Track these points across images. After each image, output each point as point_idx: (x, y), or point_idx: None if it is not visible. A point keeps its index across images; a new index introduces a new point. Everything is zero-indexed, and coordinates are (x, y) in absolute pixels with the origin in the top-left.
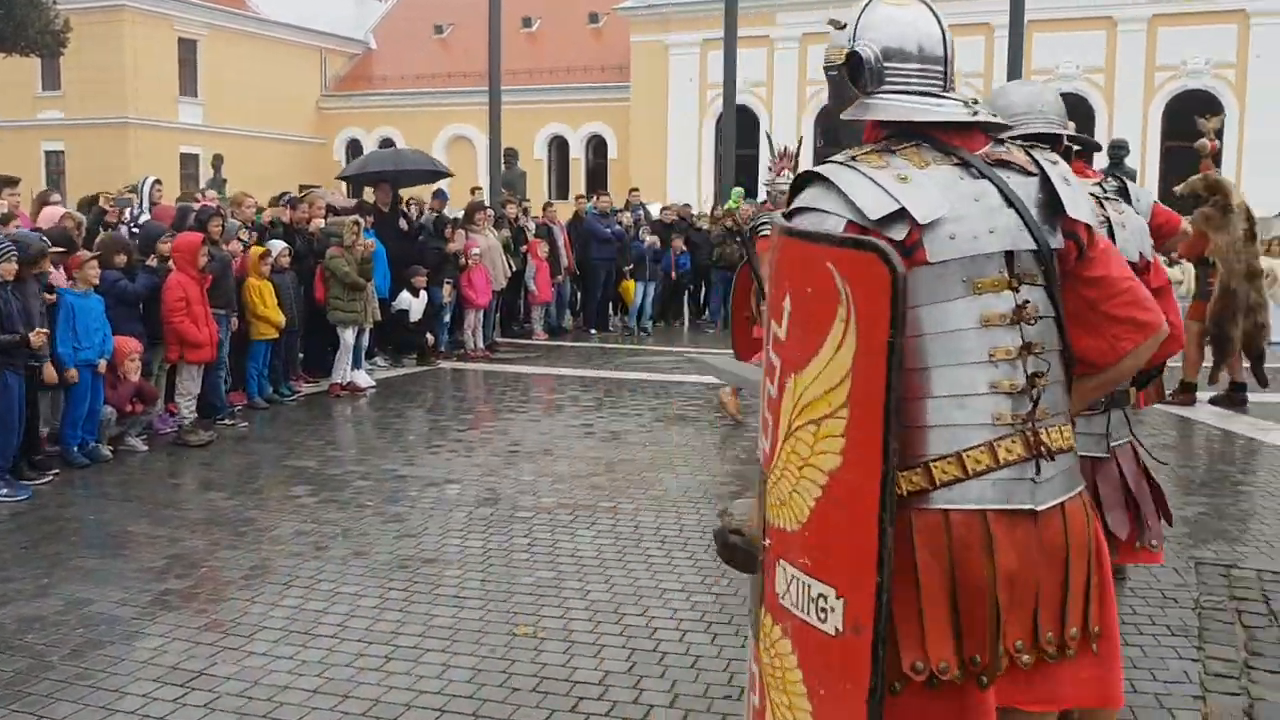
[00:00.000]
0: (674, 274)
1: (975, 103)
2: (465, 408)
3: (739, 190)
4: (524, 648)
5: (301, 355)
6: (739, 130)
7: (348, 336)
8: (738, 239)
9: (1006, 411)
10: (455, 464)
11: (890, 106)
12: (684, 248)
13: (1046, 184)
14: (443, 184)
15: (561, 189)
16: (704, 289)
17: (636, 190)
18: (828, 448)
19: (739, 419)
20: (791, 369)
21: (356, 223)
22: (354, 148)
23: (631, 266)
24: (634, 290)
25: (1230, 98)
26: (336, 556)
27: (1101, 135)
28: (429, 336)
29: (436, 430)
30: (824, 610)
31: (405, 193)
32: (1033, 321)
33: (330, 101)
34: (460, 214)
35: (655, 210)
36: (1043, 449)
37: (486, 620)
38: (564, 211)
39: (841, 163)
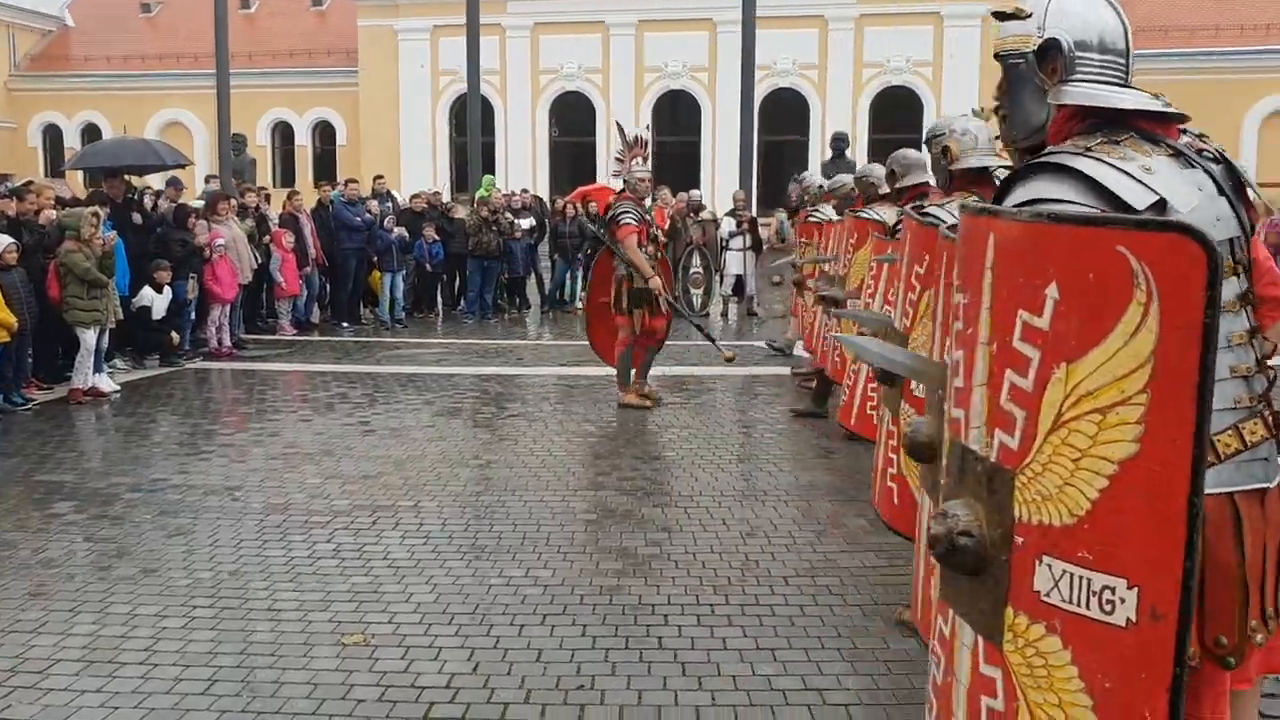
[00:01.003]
0: (428, 264)
1: (1158, 97)
2: (226, 409)
3: (489, 178)
4: (359, 657)
5: (30, 359)
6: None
7: (89, 338)
8: (494, 227)
9: (1245, 394)
10: (232, 470)
11: (1098, 94)
12: (436, 236)
13: (1233, 171)
14: (171, 173)
15: (287, 177)
16: (458, 279)
17: (382, 177)
18: (1119, 436)
19: (655, 402)
20: (1061, 358)
21: (95, 214)
22: (52, 133)
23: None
24: (380, 282)
25: (929, 94)
26: (124, 576)
27: (816, 129)
28: (173, 335)
29: (201, 435)
30: (1109, 603)
31: (136, 183)
32: (1253, 305)
33: (21, 83)
34: (201, 203)
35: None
36: (1277, 428)
37: (310, 632)
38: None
39: (1078, 153)
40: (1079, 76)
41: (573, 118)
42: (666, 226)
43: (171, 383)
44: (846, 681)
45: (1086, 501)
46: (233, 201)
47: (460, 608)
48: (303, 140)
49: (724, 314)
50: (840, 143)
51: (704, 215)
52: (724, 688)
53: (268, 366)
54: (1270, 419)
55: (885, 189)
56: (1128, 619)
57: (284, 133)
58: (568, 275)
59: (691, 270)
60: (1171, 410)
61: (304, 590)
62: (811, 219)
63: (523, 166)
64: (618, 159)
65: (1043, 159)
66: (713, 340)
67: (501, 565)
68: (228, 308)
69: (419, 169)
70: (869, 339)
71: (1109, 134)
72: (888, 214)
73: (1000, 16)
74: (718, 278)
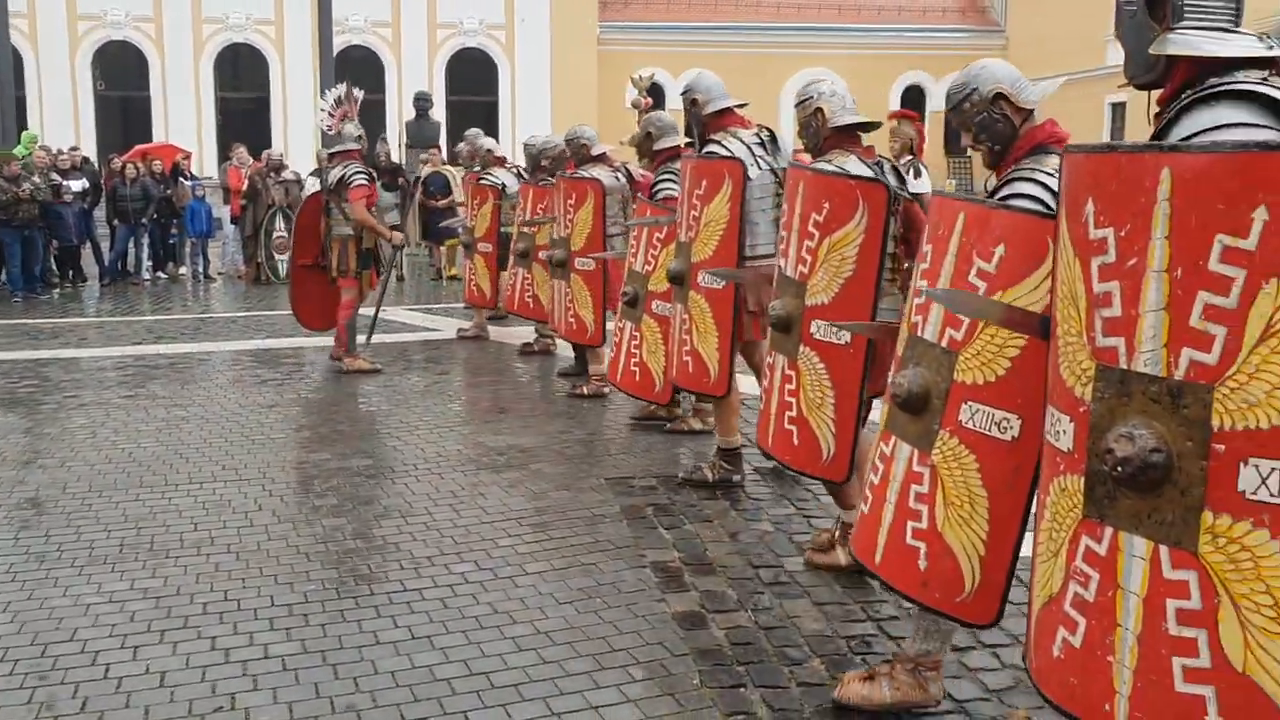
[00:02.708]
0: None
1: (1267, 36)
2: None
3: (30, 134)
4: None
5: None
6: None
7: None
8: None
9: None
10: None
11: (1195, 42)
12: None
13: None
14: None
15: None
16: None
17: None
18: None
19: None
20: (1270, 274)
21: None
22: None
23: None
24: None
25: (503, 57)
26: None
27: (392, 90)
28: None
29: None
30: None
31: None
32: None
33: None
34: None
35: None
36: None
37: None
38: None
39: (1258, 83)
40: (1187, 21)
41: (120, 70)
42: (245, 188)
43: None
44: (511, 660)
45: None
46: None
47: (52, 634)
48: None
49: None
50: (423, 102)
51: (286, 175)
52: (384, 685)
53: None
54: None
55: (598, 149)
56: None
57: None
58: (131, 243)
59: (275, 235)
60: None
61: None
62: (483, 181)
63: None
64: (329, 113)
65: (1222, 87)
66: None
67: (99, 582)
68: None
69: None
70: (956, 291)
71: (1266, 70)
72: (603, 174)
73: None
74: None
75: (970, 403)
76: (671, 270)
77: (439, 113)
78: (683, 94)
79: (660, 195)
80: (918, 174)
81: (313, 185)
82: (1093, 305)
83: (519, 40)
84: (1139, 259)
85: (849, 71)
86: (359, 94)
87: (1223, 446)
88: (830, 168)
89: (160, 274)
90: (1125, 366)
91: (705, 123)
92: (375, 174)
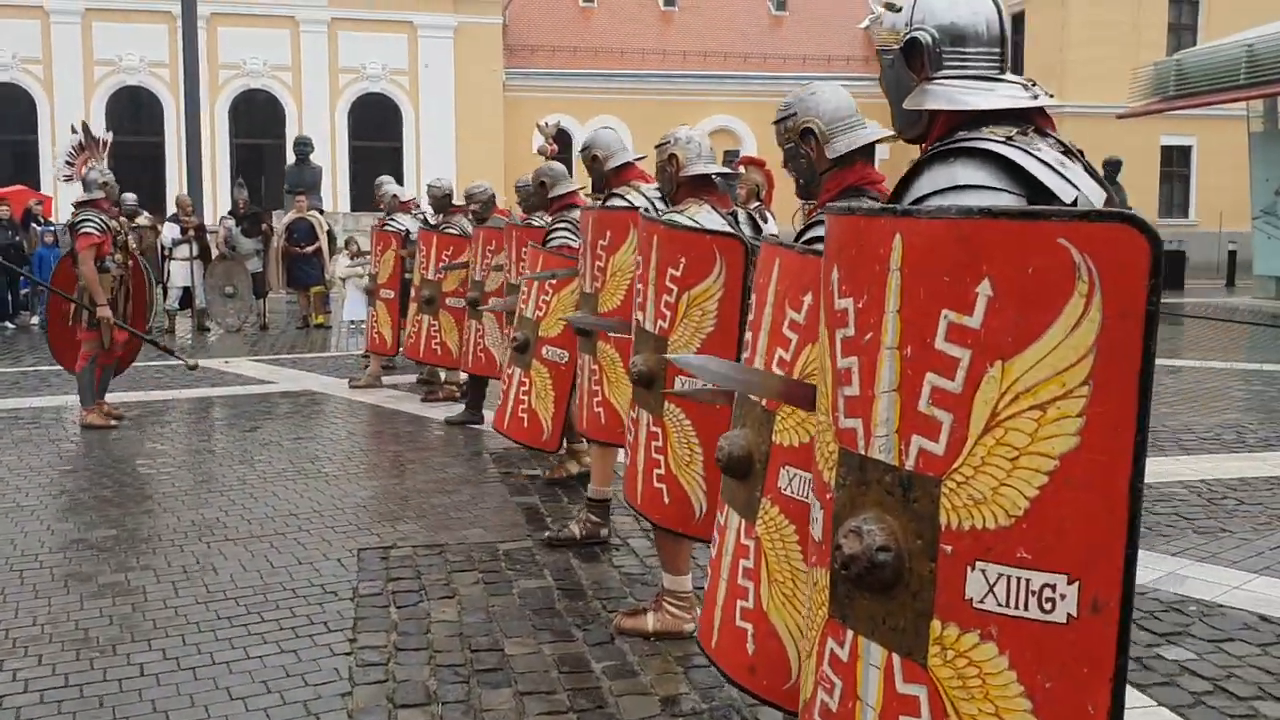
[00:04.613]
0: None
1: (1033, 84)
2: None
3: None
4: None
5: None
6: None
7: None
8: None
9: None
10: None
11: (950, 94)
12: None
13: (1092, 172)
14: None
15: None
16: None
17: None
18: (1059, 430)
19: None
20: (995, 356)
21: None
22: None
23: None
24: None
25: (406, 102)
26: None
27: (291, 133)
28: None
29: None
30: (1050, 600)
31: None
32: None
33: None
34: None
35: None
36: None
37: None
38: None
39: (1000, 142)
40: (946, 71)
41: (9, 112)
42: None
43: None
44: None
45: (1025, 500)
46: None
47: None
48: None
49: (169, 330)
50: (304, 147)
51: (140, 221)
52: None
53: None
54: None
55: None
56: (1068, 615)
57: None
58: None
59: None
60: (1115, 399)
61: None
62: (388, 228)
63: None
64: (68, 161)
65: (962, 144)
66: (170, 351)
67: None
68: None
69: None
70: (707, 357)
71: (1018, 126)
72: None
73: (889, 8)
74: (160, 290)
75: (788, 467)
76: (574, 320)
77: (342, 157)
78: (581, 151)
79: (556, 243)
80: (764, 220)
81: (171, 231)
82: (836, 382)
83: (423, 86)
84: (874, 333)
85: (757, 119)
86: (107, 137)
87: (950, 547)
88: (683, 220)
89: (7, 323)
90: (864, 452)
91: (607, 178)
92: (123, 222)
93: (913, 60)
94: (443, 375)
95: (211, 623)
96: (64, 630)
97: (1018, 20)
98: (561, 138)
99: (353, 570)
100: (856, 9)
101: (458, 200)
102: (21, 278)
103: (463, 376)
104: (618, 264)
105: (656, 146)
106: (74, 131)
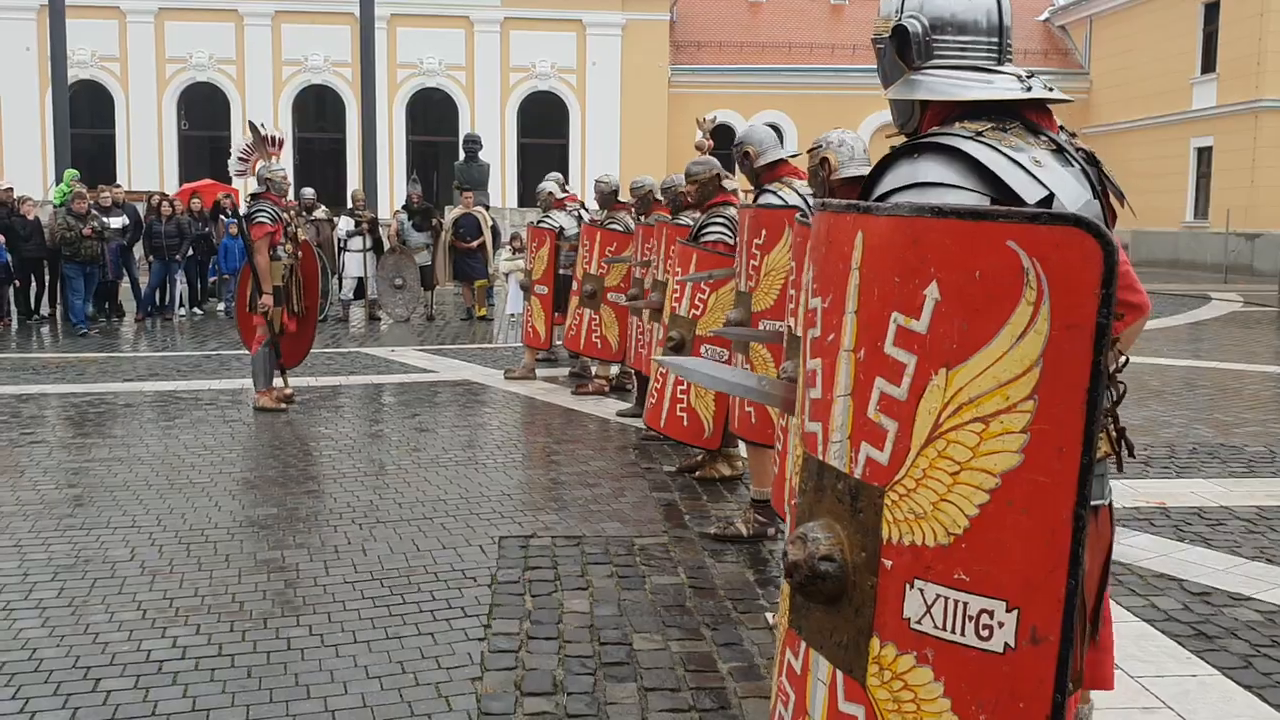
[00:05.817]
0: None
1: (1030, 76)
2: None
3: (73, 172)
4: None
5: None
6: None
7: None
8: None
9: None
10: None
11: (935, 85)
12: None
13: (1100, 173)
14: None
15: None
16: (35, 285)
17: None
18: (1001, 446)
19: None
20: (940, 364)
21: None
22: None
23: None
24: None
25: (574, 99)
26: None
27: (463, 130)
28: None
29: None
30: (987, 627)
31: None
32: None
33: None
34: None
35: None
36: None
37: None
38: None
39: (968, 137)
40: (936, 61)
41: (204, 110)
42: None
43: None
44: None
45: (965, 519)
46: None
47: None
48: None
49: (344, 319)
50: (473, 144)
51: (318, 214)
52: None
53: None
54: (1113, 435)
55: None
56: (1006, 644)
57: None
58: (165, 278)
59: None
60: (1059, 417)
61: None
62: (541, 224)
63: (148, 160)
64: (241, 158)
65: (930, 139)
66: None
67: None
68: None
69: (24, 161)
70: (695, 359)
71: (999, 121)
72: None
73: None
74: (335, 280)
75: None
76: (731, 319)
77: (510, 155)
78: (735, 147)
79: (712, 238)
80: None
81: (345, 224)
82: (805, 383)
83: (590, 83)
84: (835, 335)
85: None
86: (281, 136)
87: (890, 562)
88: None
89: (196, 309)
90: (821, 458)
91: (759, 174)
92: (294, 214)
93: (904, 50)
94: (594, 369)
95: (356, 602)
96: (221, 602)
97: (1211, 9)
98: (723, 133)
99: (493, 557)
100: (1038, 3)
101: (623, 197)
102: (210, 266)
103: (614, 370)
104: (772, 262)
105: (809, 150)
106: (248, 130)
